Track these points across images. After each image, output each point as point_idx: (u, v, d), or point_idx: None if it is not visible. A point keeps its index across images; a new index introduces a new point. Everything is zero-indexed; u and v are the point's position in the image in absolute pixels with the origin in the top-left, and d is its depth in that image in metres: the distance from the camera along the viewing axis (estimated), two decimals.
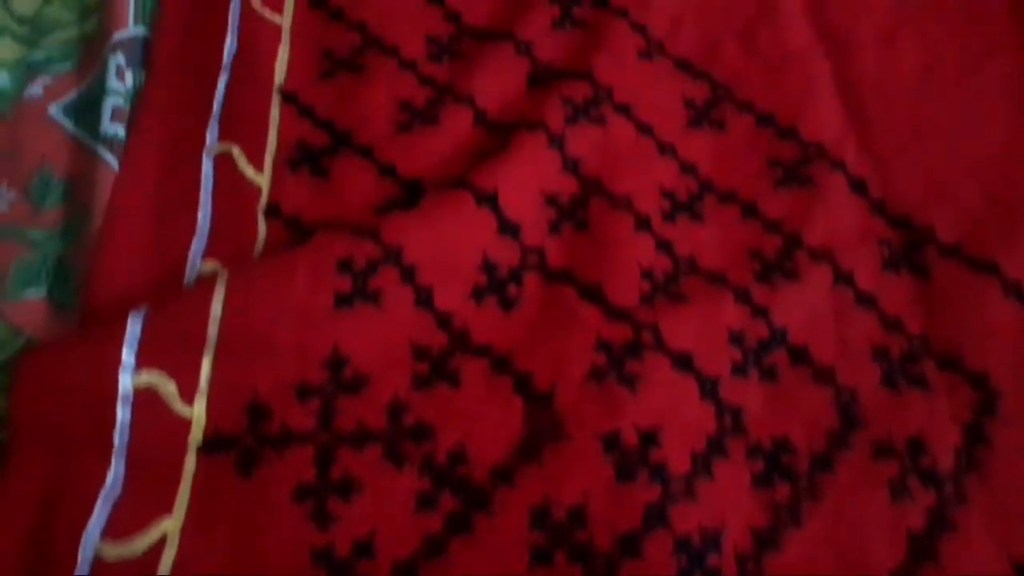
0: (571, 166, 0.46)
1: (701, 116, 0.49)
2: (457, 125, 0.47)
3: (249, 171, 0.44)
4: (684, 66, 0.51)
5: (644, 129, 0.47)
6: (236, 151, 0.44)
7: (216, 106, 0.45)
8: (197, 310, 0.37)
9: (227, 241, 0.42)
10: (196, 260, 0.41)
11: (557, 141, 0.46)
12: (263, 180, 0.44)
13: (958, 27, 0.54)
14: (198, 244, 0.41)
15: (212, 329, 0.37)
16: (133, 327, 0.36)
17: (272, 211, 0.44)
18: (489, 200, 0.43)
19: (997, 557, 0.38)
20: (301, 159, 0.45)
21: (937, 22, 0.54)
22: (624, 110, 0.48)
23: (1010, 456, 0.40)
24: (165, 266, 0.41)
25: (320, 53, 0.49)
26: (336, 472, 0.37)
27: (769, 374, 0.41)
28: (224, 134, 0.45)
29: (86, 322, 0.38)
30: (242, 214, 0.43)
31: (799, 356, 0.42)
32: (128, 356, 0.35)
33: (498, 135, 0.47)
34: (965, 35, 0.54)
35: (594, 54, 0.49)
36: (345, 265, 0.40)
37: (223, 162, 0.44)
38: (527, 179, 0.45)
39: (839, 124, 0.49)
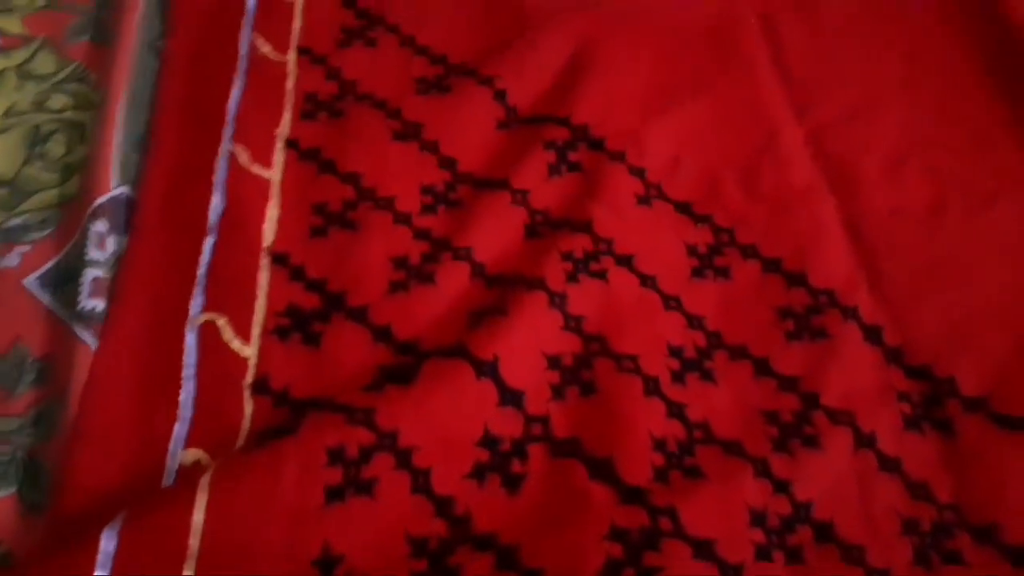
0: (573, 325, 0.44)
1: (705, 264, 0.47)
2: (454, 282, 0.45)
3: (235, 343, 0.42)
4: (684, 210, 0.50)
5: (647, 281, 0.46)
6: (222, 322, 0.42)
7: (201, 271, 0.44)
8: (177, 521, 0.34)
9: (211, 424, 0.39)
10: (177, 449, 0.38)
11: (558, 300, 0.44)
12: (251, 352, 0.42)
13: (967, 157, 0.52)
14: (180, 430, 0.39)
15: (193, 542, 0.34)
16: (107, 546, 0.33)
17: (260, 387, 0.41)
18: (489, 370, 0.41)
19: None
20: (291, 327, 0.43)
21: (945, 152, 0.53)
22: (626, 262, 0.46)
23: None
24: (145, 458, 0.38)
25: (311, 209, 0.47)
26: None
27: (795, 557, 0.38)
28: (210, 303, 0.42)
29: (57, 527, 0.36)
30: (227, 392, 0.40)
31: (825, 534, 0.39)
32: None
33: (497, 290, 0.45)
34: (975, 166, 0.52)
35: (592, 203, 0.48)
36: (336, 455, 0.37)
37: (207, 334, 0.42)
38: (528, 343, 0.43)
39: (849, 267, 0.47)
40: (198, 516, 0.34)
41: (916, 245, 0.49)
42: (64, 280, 0.43)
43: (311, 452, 0.37)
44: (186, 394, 0.40)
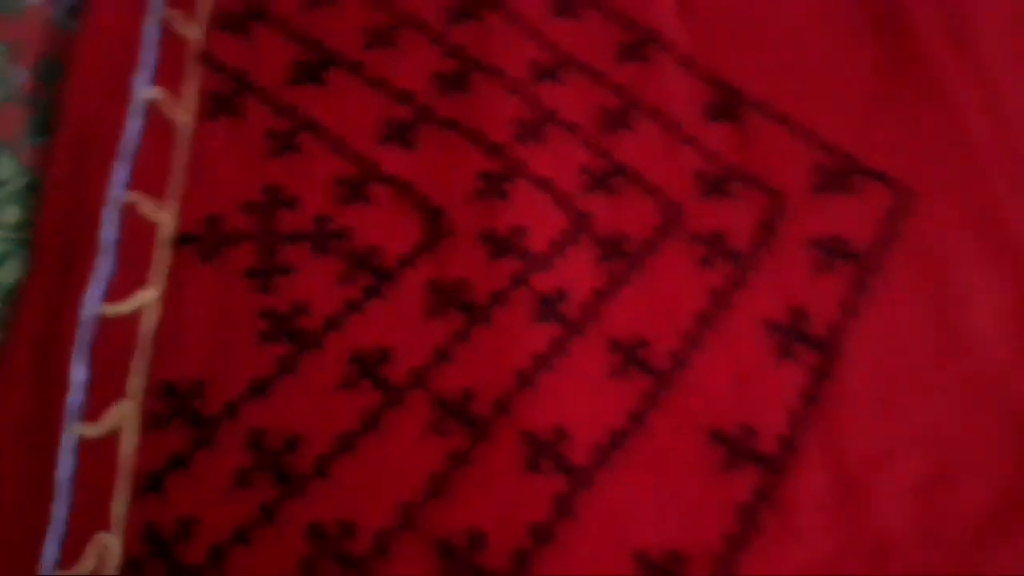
0: (453, 52, 0.58)
1: (563, 8, 0.61)
2: None
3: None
4: None
5: (513, 17, 0.60)
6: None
7: None
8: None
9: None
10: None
11: (438, 38, 0.59)
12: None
13: None
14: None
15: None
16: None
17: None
18: (381, 82, 0.56)
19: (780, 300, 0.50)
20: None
21: None
22: (494, 5, 0.61)
23: (791, 240, 0.53)
24: None
25: None
26: (276, 259, 0.49)
27: (610, 190, 0.54)
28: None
29: None
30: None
31: (635, 179, 0.54)
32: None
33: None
34: None
35: None
36: (271, 134, 0.53)
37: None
38: (416, 64, 0.57)
39: (672, 15, 0.62)
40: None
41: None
42: None
43: (251, 131, 0.53)
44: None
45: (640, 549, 0.42)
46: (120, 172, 0.51)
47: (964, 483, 0.45)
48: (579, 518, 0.43)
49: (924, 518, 0.44)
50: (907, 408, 0.48)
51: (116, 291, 0.47)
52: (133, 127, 0.52)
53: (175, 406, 0.44)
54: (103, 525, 0.41)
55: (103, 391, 0.45)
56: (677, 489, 0.44)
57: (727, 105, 0.58)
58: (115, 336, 0.46)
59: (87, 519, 0.42)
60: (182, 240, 0.49)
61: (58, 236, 0.49)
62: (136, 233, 0.49)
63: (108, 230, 0.48)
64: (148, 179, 0.51)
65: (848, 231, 0.53)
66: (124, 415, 0.44)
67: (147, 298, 0.47)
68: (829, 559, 0.43)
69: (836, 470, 0.45)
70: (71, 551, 0.41)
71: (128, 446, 0.43)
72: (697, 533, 0.43)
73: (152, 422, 0.44)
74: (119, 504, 0.42)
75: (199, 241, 0.49)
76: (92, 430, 0.43)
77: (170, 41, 0.56)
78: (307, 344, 0.47)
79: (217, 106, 0.54)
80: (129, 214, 0.50)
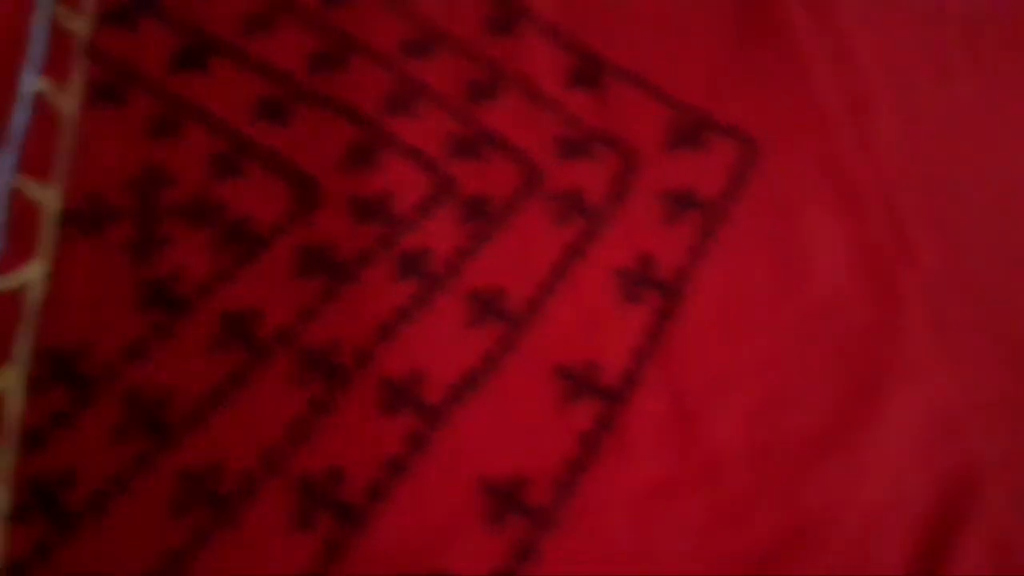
0: (327, 33, 0.62)
1: None
2: None
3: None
4: None
5: None
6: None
7: None
8: None
9: None
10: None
11: (313, 21, 0.62)
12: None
13: None
14: None
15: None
16: None
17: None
18: (259, 65, 0.59)
19: (629, 250, 0.54)
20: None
21: None
22: None
23: (643, 194, 0.56)
24: None
25: None
26: (154, 232, 0.52)
27: (475, 156, 0.57)
28: None
29: None
30: None
31: (499, 145, 0.58)
32: None
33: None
34: None
35: None
36: (152, 118, 0.56)
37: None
38: (292, 47, 0.60)
39: None
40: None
41: None
42: None
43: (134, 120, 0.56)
44: None
45: (486, 476, 0.46)
46: (7, 160, 0.54)
47: (793, 409, 0.49)
48: (431, 452, 0.46)
49: (754, 441, 0.48)
50: (745, 343, 0.51)
51: (3, 266, 0.50)
52: (20, 118, 0.56)
53: (57, 370, 0.48)
54: None
55: None
56: (523, 422, 0.48)
57: (589, 72, 0.62)
58: (2, 308, 0.49)
59: None
60: (66, 218, 0.53)
61: None
62: (23, 213, 0.52)
63: None
64: (34, 164, 0.54)
65: (697, 183, 0.57)
66: (9, 379, 0.47)
67: (32, 272, 0.50)
68: (663, 479, 0.47)
69: (673, 400, 0.49)
70: None
71: (14, 407, 0.47)
72: (540, 459, 0.46)
73: (36, 385, 0.48)
74: (5, 459, 0.46)
75: (82, 218, 0.52)
76: None
77: (57, 35, 0.60)
78: (181, 309, 0.50)
79: (101, 94, 0.58)
80: (16, 197, 0.53)
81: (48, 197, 0.53)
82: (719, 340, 0.51)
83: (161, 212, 0.53)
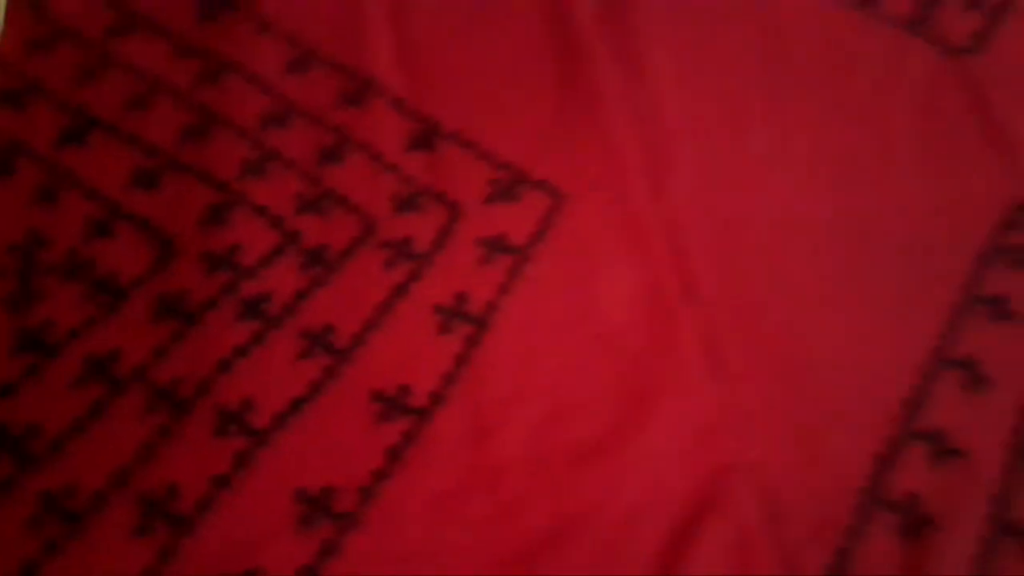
0: (196, 109, 0.71)
1: (294, 67, 0.74)
2: None
3: None
4: None
5: (249, 77, 0.72)
6: None
7: None
8: None
9: None
10: None
11: (184, 98, 0.71)
12: None
13: None
14: None
15: None
16: None
17: None
18: (134, 138, 0.68)
19: (447, 288, 0.62)
20: None
21: None
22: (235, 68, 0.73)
23: (462, 241, 0.65)
24: None
25: None
26: (30, 288, 0.60)
27: (319, 212, 0.66)
28: None
29: None
30: None
31: (341, 202, 0.67)
32: None
33: None
34: None
35: None
36: (36, 187, 0.65)
37: None
38: (164, 122, 0.69)
39: (391, 66, 0.75)
40: None
41: (443, 42, 0.77)
42: None
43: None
44: None
45: (301, 487, 0.54)
46: None
47: (572, 422, 0.58)
48: (255, 469, 0.54)
49: (534, 449, 0.56)
50: (538, 366, 0.60)
51: None
52: None
53: None
54: None
55: None
56: (338, 440, 0.56)
57: (426, 137, 0.71)
58: None
59: None
60: None
61: None
62: None
63: None
64: None
65: (510, 230, 0.66)
66: None
67: None
68: (454, 485, 0.55)
69: (472, 416, 0.57)
70: None
71: None
72: (350, 471, 0.54)
73: None
74: None
75: None
76: None
77: None
78: (50, 353, 0.58)
79: None
80: None
81: None
82: (517, 364, 0.60)
83: (39, 270, 0.62)
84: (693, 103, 0.75)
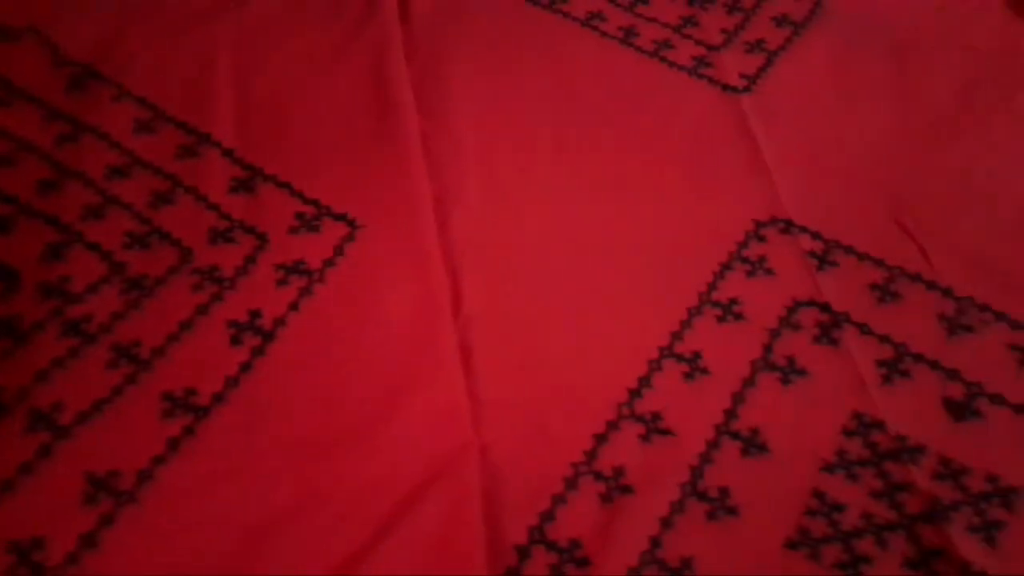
0: (54, 165, 0.83)
1: (141, 127, 0.86)
2: None
3: None
4: None
5: (101, 136, 0.85)
6: None
7: None
8: None
9: None
10: None
11: (45, 156, 0.83)
12: None
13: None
14: None
15: None
16: None
17: None
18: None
19: (244, 307, 0.72)
20: None
21: None
22: (91, 129, 0.85)
23: (264, 267, 0.75)
24: None
25: None
26: None
27: (145, 247, 0.77)
28: None
29: None
30: None
31: (165, 237, 0.77)
32: None
33: None
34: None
35: None
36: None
37: None
38: (25, 176, 0.81)
39: (228, 122, 0.87)
40: None
41: (279, 102, 0.89)
42: None
43: None
44: None
45: (90, 471, 0.63)
46: None
47: (337, 414, 0.67)
48: (54, 458, 0.64)
49: (293, 437, 0.66)
50: (316, 369, 0.70)
51: None
52: None
53: None
54: None
55: None
56: (128, 432, 0.65)
57: (248, 181, 0.82)
58: None
59: None
60: None
61: None
62: None
63: None
64: None
65: (307, 256, 0.76)
66: None
67: None
68: (224, 468, 0.64)
69: (246, 412, 0.67)
70: None
71: None
72: (133, 457, 0.64)
73: None
74: None
75: None
76: None
77: None
78: None
79: None
80: None
81: None
82: (294, 369, 0.70)
83: None
84: (488, 145, 0.87)
